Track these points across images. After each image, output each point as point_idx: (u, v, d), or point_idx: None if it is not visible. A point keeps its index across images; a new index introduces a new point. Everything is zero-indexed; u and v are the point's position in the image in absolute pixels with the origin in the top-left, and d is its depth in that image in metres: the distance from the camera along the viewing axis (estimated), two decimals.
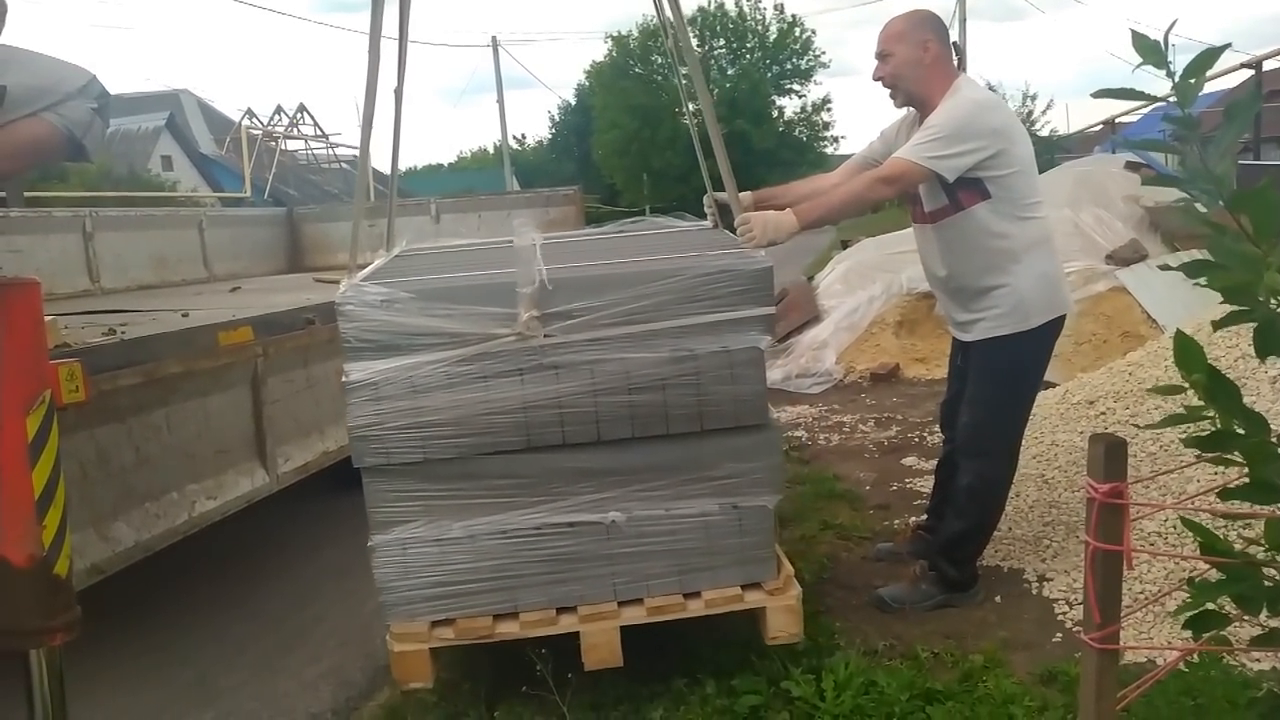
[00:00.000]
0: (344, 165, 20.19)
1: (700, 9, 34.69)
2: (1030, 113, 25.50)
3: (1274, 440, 1.14)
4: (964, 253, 2.50)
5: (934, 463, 3.13)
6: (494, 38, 26.27)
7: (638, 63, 34.93)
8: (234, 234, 6.45)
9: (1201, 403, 1.14)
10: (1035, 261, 2.48)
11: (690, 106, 3.05)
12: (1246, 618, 1.29)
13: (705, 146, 2.62)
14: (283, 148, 18.50)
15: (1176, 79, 1.10)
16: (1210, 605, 1.23)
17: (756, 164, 29.46)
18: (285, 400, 3.16)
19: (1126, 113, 15.56)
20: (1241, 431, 1.13)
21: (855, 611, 2.66)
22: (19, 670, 1.74)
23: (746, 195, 2.57)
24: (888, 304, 6.41)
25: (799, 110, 36.51)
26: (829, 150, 35.64)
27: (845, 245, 9.44)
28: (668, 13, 2.42)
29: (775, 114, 35.50)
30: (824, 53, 44.96)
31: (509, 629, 2.12)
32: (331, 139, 19.79)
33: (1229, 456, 1.16)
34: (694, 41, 33.23)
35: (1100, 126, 16.91)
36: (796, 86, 36.20)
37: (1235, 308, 1.11)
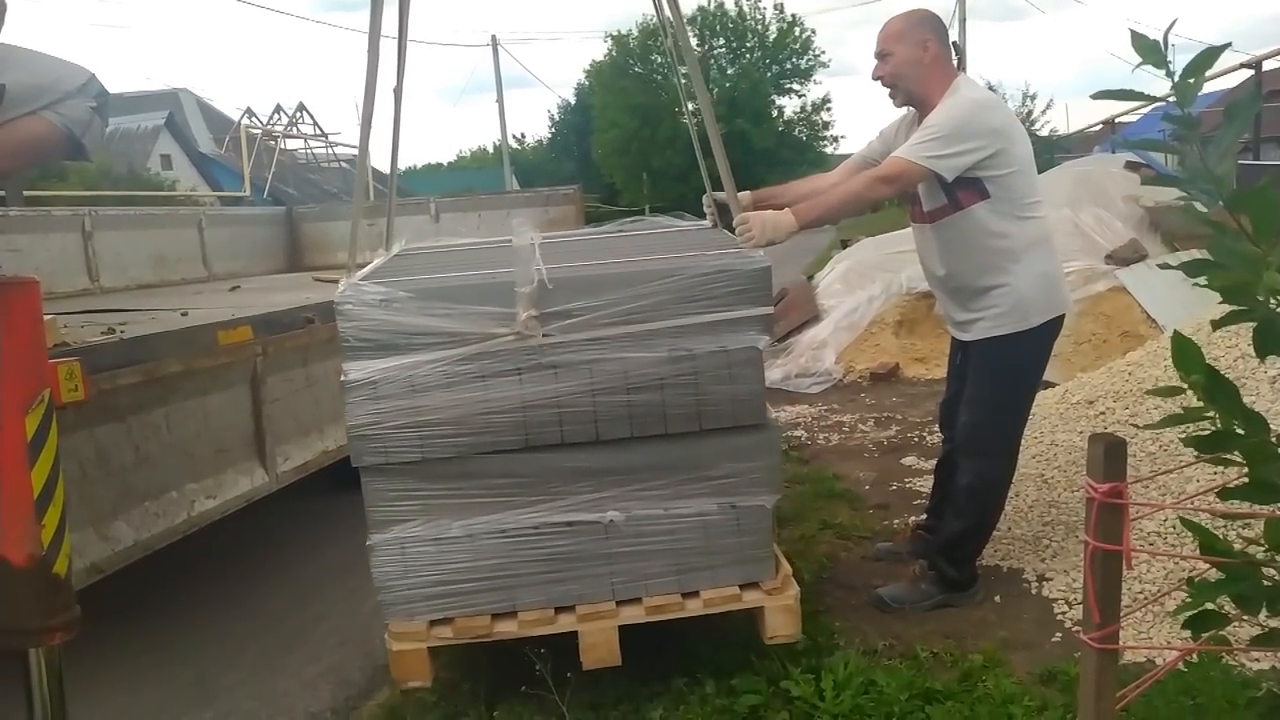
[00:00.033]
0: (343, 164, 20.18)
1: (700, 8, 34.72)
2: (1030, 112, 25.54)
3: (1274, 440, 1.14)
4: (963, 252, 2.50)
5: (933, 462, 3.13)
6: (494, 37, 26.28)
7: (637, 62, 34.93)
8: (233, 233, 6.45)
9: (1201, 403, 1.14)
10: (1034, 261, 2.48)
11: (690, 106, 3.05)
12: (1246, 617, 1.29)
13: (704, 146, 2.62)
14: (282, 147, 18.50)
15: (1176, 79, 1.10)
16: (1209, 605, 1.23)
17: (756, 163, 29.47)
18: (285, 399, 3.16)
19: (1126, 112, 15.57)
20: (1241, 431, 1.13)
21: (855, 611, 2.66)
22: (18, 669, 1.74)
23: (745, 195, 2.57)
24: (887, 303, 6.41)
25: (799, 110, 36.56)
26: (829, 150, 35.67)
27: (845, 245, 9.44)
28: (667, 12, 2.42)
29: (775, 113, 35.51)
30: (824, 52, 45.06)
31: (507, 628, 2.12)
32: (331, 138, 19.78)
33: (1228, 456, 1.16)
34: (694, 41, 33.27)
35: (1100, 126, 16.91)
36: (796, 86, 36.23)
37: (1234, 307, 1.11)
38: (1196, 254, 1.16)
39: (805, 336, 6.53)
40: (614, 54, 35.96)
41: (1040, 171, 3.16)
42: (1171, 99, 1.12)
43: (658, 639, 2.25)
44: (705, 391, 2.07)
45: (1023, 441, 2.80)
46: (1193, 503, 2.23)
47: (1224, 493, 1.23)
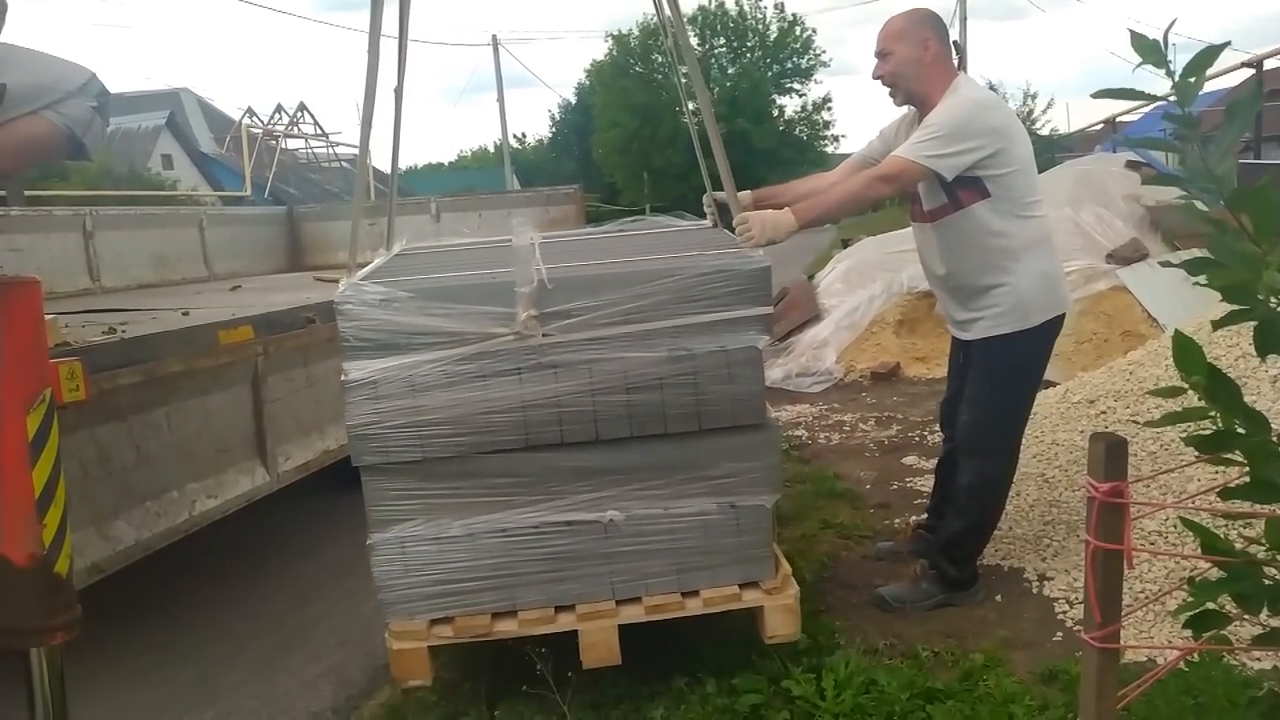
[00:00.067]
0: (344, 164, 20.18)
1: (701, 8, 34.72)
2: (1031, 112, 25.52)
3: (1275, 439, 1.14)
4: (963, 251, 2.50)
5: (934, 462, 3.13)
6: (494, 36, 26.31)
7: (638, 61, 34.92)
8: (234, 233, 6.45)
9: (1202, 402, 1.14)
10: (1035, 260, 2.48)
11: (690, 106, 3.05)
12: (1247, 617, 1.29)
13: (705, 146, 2.62)
14: (283, 146, 18.49)
15: (1176, 78, 1.10)
16: (1211, 604, 1.23)
17: (757, 163, 29.47)
18: (286, 399, 3.16)
19: (1127, 112, 15.55)
20: (1242, 431, 1.13)
21: (856, 610, 2.66)
22: (20, 669, 1.74)
23: (746, 194, 2.57)
24: (888, 303, 6.41)
25: (799, 109, 36.56)
26: (829, 149, 35.66)
27: (846, 244, 9.44)
28: (667, 12, 2.41)
29: (776, 113, 35.51)
30: (824, 52, 45.09)
31: (507, 627, 2.12)
32: (332, 138, 19.78)
33: (1229, 456, 1.16)
34: (694, 40, 33.27)
35: (1101, 125, 16.90)
36: (797, 85, 36.24)
37: (1235, 307, 1.11)
38: (1198, 253, 1.16)
39: (806, 336, 6.53)
40: (614, 53, 35.97)
41: (1041, 171, 3.16)
42: (1172, 98, 1.12)
43: (658, 638, 2.25)
44: (705, 391, 2.07)
45: (1024, 441, 2.80)
46: (1194, 502, 2.23)
47: (1225, 492, 1.23)
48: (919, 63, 2.46)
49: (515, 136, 43.21)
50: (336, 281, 2.25)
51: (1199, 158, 1.12)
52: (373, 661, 2.71)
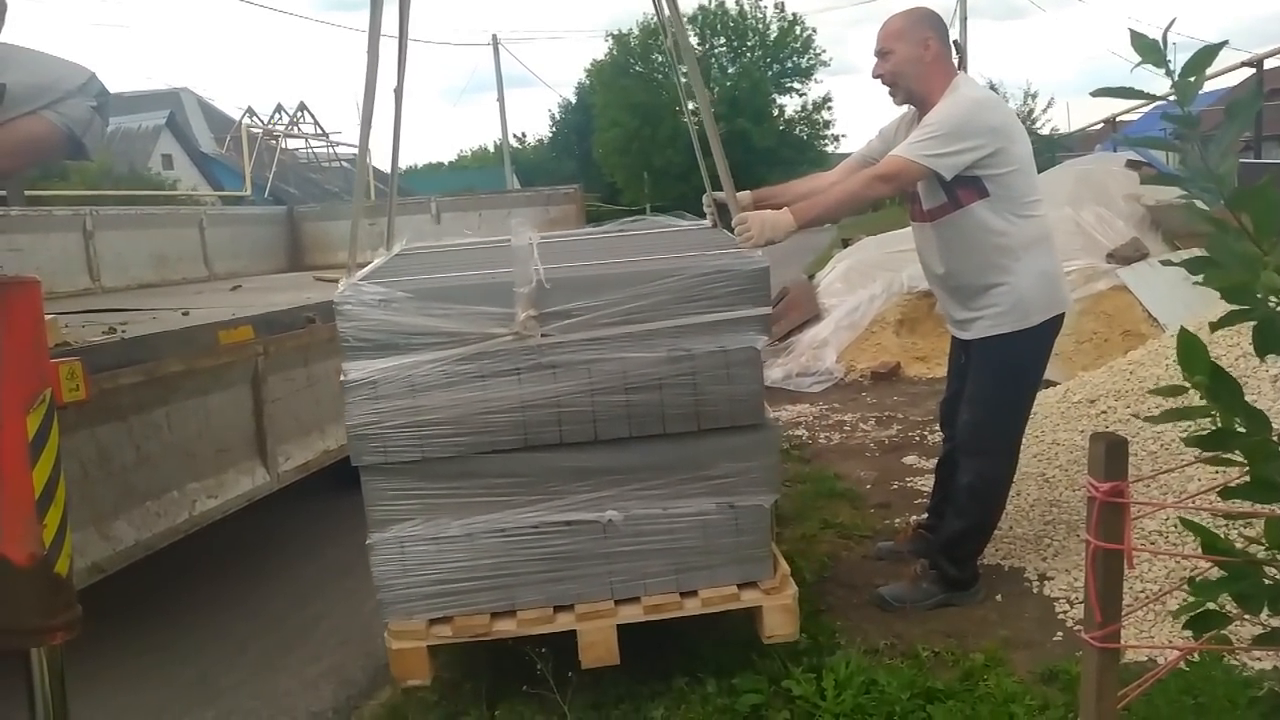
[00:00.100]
0: (344, 164, 20.17)
1: (701, 7, 34.72)
2: (1031, 111, 25.51)
3: (1275, 439, 1.14)
4: (963, 251, 2.50)
5: (934, 461, 3.13)
6: (494, 36, 26.31)
7: (638, 61, 34.92)
8: (234, 233, 6.45)
9: (1203, 401, 1.14)
10: (1034, 259, 2.47)
11: (689, 106, 3.05)
12: (1247, 617, 1.29)
13: (704, 146, 2.62)
14: (283, 146, 18.48)
15: (1176, 77, 1.10)
16: (1211, 604, 1.23)
17: (757, 162, 29.47)
18: (286, 399, 3.16)
19: (1127, 111, 15.54)
20: (1243, 430, 1.13)
21: (856, 610, 2.65)
22: (20, 669, 1.74)
23: (745, 194, 2.57)
24: (888, 302, 6.41)
25: (799, 109, 36.55)
26: (829, 149, 35.66)
27: (846, 244, 9.44)
28: (667, 12, 2.41)
29: (776, 112, 35.51)
30: (824, 51, 45.07)
31: (506, 627, 2.12)
32: (332, 137, 19.77)
33: (1229, 455, 1.16)
34: (694, 40, 33.23)
35: (1101, 125, 16.89)
36: (797, 85, 36.23)
37: (1235, 307, 1.10)
38: (1198, 252, 1.16)
39: (806, 335, 6.53)
40: (615, 53, 35.98)
41: (1041, 170, 3.16)
42: (1171, 98, 1.12)
43: (658, 638, 2.25)
44: (704, 391, 2.07)
45: (1024, 440, 2.80)
46: (1194, 502, 2.23)
47: (1225, 492, 1.23)
48: (919, 62, 2.45)
49: (515, 136, 43.25)
50: (336, 281, 2.25)
51: (1199, 157, 1.12)
52: (373, 661, 2.71)
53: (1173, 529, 2.62)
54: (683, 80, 2.87)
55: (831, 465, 4.13)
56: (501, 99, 27.84)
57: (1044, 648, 2.37)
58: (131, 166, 20.55)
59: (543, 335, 2.03)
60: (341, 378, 2.05)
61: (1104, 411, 3.69)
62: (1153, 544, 2.58)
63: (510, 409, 2.05)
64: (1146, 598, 2.37)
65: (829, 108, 36.48)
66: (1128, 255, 5.77)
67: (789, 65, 35.90)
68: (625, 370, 2.05)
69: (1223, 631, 1.27)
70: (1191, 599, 1.24)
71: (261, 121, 18.01)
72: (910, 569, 2.78)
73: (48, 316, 1.88)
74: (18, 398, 1.69)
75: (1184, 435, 1.39)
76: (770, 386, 5.58)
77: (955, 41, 2.55)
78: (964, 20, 21.36)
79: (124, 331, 2.77)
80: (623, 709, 2.16)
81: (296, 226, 6.99)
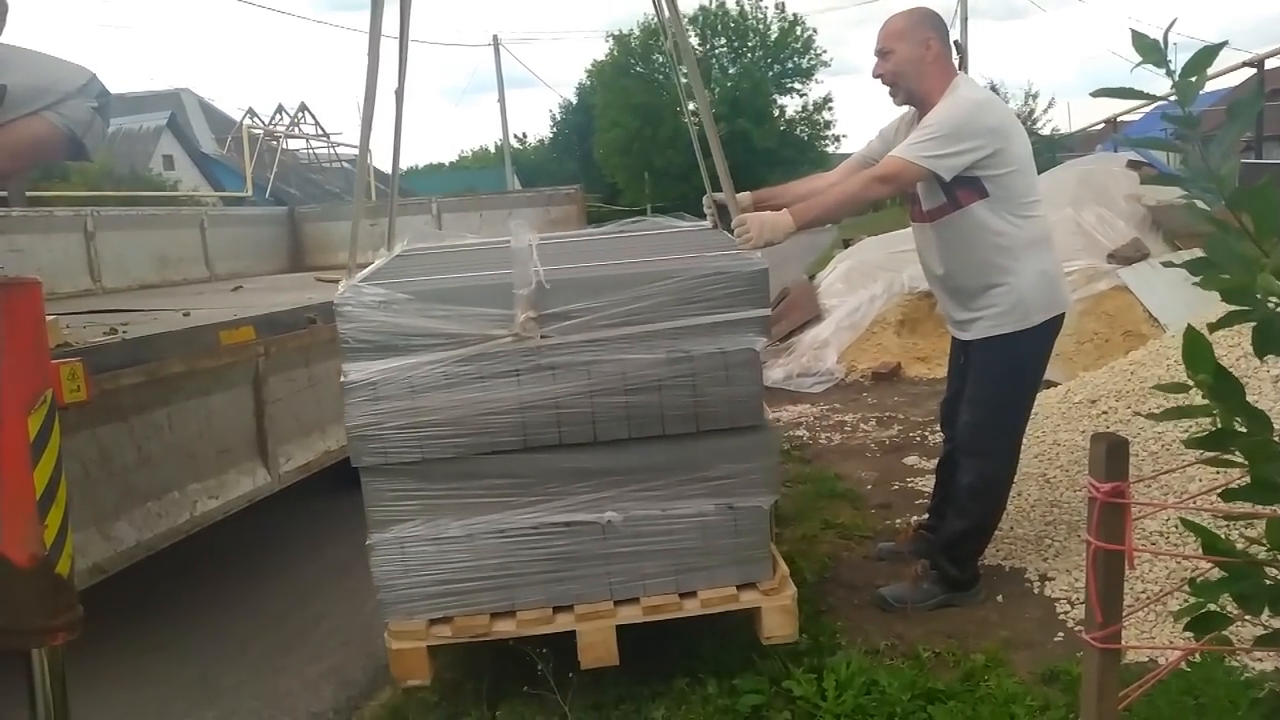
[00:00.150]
0: (345, 164, 20.18)
1: (701, 8, 34.69)
2: (1032, 111, 25.50)
3: (1276, 439, 1.14)
4: (962, 251, 2.50)
5: (935, 462, 3.13)
6: (495, 36, 26.34)
7: (639, 61, 34.90)
8: (235, 233, 6.45)
9: (1204, 400, 1.14)
10: (1034, 260, 2.47)
11: (690, 107, 3.05)
12: (1248, 618, 1.29)
13: (704, 147, 2.62)
14: (284, 147, 18.48)
15: (1176, 78, 1.10)
16: (1212, 605, 1.23)
17: (758, 163, 29.44)
18: (287, 399, 3.16)
19: (1128, 111, 15.54)
20: (1243, 430, 1.13)
21: (857, 611, 2.65)
22: (21, 669, 1.74)
23: (745, 195, 2.57)
24: (889, 303, 6.40)
25: (800, 109, 36.51)
26: (830, 149, 35.61)
27: (847, 244, 9.43)
28: (667, 13, 2.41)
29: (776, 113, 35.46)
30: (825, 51, 45.00)
31: (506, 627, 2.12)
32: (333, 138, 19.78)
33: (1230, 456, 1.16)
34: (695, 40, 33.18)
35: (1102, 125, 16.89)
36: (798, 85, 36.18)
37: (1235, 308, 1.10)
38: (1199, 253, 1.16)
39: (807, 336, 6.53)
40: (615, 53, 35.95)
41: (1042, 170, 3.16)
42: (1172, 98, 1.11)
43: (659, 639, 2.25)
44: (703, 393, 2.07)
45: (1025, 441, 2.80)
46: (1195, 502, 2.23)
47: (1226, 493, 1.22)
48: (920, 62, 2.45)
49: (516, 137, 43.23)
50: (337, 282, 2.25)
51: (1200, 157, 1.12)
52: (374, 662, 2.71)
53: (1174, 529, 2.62)
54: (683, 81, 2.87)
55: (832, 466, 4.13)
56: (502, 99, 27.92)
57: (1045, 648, 2.37)
58: (132, 167, 20.56)
59: (542, 337, 2.03)
60: (342, 379, 2.05)
61: (1105, 412, 3.69)
62: (1154, 544, 2.58)
63: (510, 410, 2.05)
64: (1147, 598, 2.37)
65: (830, 108, 36.46)
66: (1129, 256, 5.77)
67: (790, 66, 35.87)
68: (624, 372, 2.05)
69: (1224, 632, 1.27)
70: (1192, 600, 1.24)
71: (262, 122, 18.02)
72: (911, 569, 2.77)
73: (49, 317, 1.88)
74: (19, 398, 1.69)
75: (1185, 436, 1.39)
76: (771, 387, 5.59)
77: (956, 42, 2.55)
78: (965, 20, 21.37)
79: (125, 332, 2.77)
80: (623, 709, 2.16)
81: (297, 227, 6.99)
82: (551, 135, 44.29)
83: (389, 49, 2.36)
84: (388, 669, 2.23)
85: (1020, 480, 3.05)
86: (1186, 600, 1.25)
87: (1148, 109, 13.00)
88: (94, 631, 1.84)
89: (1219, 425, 1.14)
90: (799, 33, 35.65)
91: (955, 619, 2.56)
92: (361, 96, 2.25)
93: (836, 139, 36.30)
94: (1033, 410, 2.70)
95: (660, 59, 32.40)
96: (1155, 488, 2.72)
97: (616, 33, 35.65)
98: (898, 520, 3.36)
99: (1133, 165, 6.90)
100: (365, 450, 2.07)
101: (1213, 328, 1.16)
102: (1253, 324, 1.10)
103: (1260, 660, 2.13)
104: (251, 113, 18.02)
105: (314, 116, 19.25)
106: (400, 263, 2.58)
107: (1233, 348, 3.31)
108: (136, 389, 2.48)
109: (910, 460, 4.11)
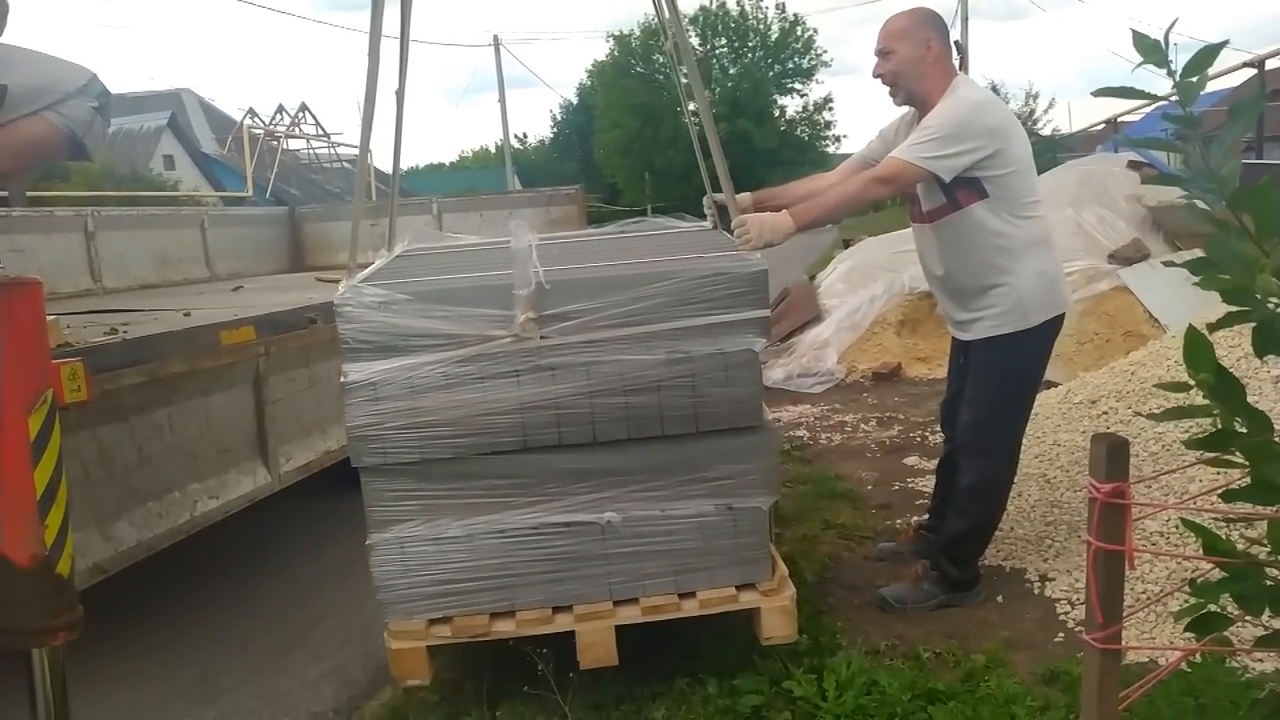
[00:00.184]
0: (346, 165, 20.18)
1: (702, 8, 34.66)
2: (1032, 112, 25.48)
3: (1276, 440, 1.14)
4: (962, 252, 2.50)
5: (935, 462, 3.13)
6: (496, 37, 26.37)
7: (639, 62, 34.88)
8: (236, 233, 6.46)
9: (1204, 400, 1.14)
10: (1034, 260, 2.47)
11: (690, 107, 3.05)
12: (1249, 618, 1.28)
13: (704, 148, 2.62)
14: (285, 147, 18.48)
15: (1178, 78, 1.10)
16: (1212, 606, 1.23)
17: (758, 163, 29.43)
18: (287, 399, 3.16)
19: (1129, 112, 15.52)
20: (1243, 430, 1.13)
21: (857, 611, 2.65)
22: (21, 669, 1.74)
23: (745, 196, 2.57)
24: (890, 303, 6.40)
25: (801, 109, 36.47)
26: (831, 149, 35.58)
27: (847, 244, 9.43)
28: (667, 13, 2.41)
29: (777, 113, 35.44)
30: (826, 52, 44.99)
31: (505, 627, 2.13)
32: (333, 138, 19.78)
33: (1230, 457, 1.16)
34: (695, 41, 33.13)
35: (1102, 125, 16.87)
36: (798, 86, 36.15)
37: (1235, 308, 1.10)
38: (1200, 253, 1.16)
39: (807, 336, 6.53)
40: (616, 54, 35.94)
41: (1043, 171, 3.16)
42: (1173, 98, 1.11)
43: (659, 639, 2.25)
44: (702, 394, 2.07)
45: (1025, 441, 2.80)
46: (1195, 503, 2.23)
47: (1227, 494, 1.22)
48: (921, 62, 2.45)
49: (516, 137, 43.21)
50: (338, 282, 2.25)
51: (1200, 158, 1.12)
52: (374, 662, 2.70)
53: (1174, 530, 2.62)
54: (683, 81, 2.87)
55: (833, 466, 4.13)
56: (503, 99, 27.94)
57: (1045, 649, 2.37)
58: (133, 167, 20.58)
59: (542, 337, 2.03)
60: (342, 379, 2.05)
61: (1105, 412, 3.69)
62: (1154, 545, 2.58)
63: (509, 410, 2.05)
64: (1148, 599, 2.37)
65: (830, 108, 36.40)
66: (1129, 256, 5.77)
67: (790, 66, 35.84)
68: (624, 372, 2.05)
69: (1224, 633, 1.27)
70: (1193, 600, 1.24)
71: (263, 122, 18.02)
72: (911, 570, 2.77)
73: (49, 317, 1.88)
74: (19, 398, 1.69)
75: (1185, 437, 1.39)
76: (771, 387, 5.59)
77: (956, 42, 2.55)
78: (965, 21, 21.36)
79: (126, 332, 2.77)
80: (624, 709, 2.16)
81: (298, 227, 7.00)
82: (552, 135, 44.30)
83: (389, 49, 2.36)
84: (388, 669, 2.23)
85: (1021, 481, 3.05)
86: (1187, 601, 1.25)
87: (1148, 109, 12.99)
88: (94, 631, 1.84)
89: (1219, 426, 1.14)
90: (799, 33, 35.63)
91: (956, 619, 2.56)
92: (362, 97, 2.26)
93: (837, 139, 36.29)
94: (1033, 411, 2.70)
95: (661, 59, 32.39)
96: (1156, 488, 2.72)
97: (617, 33, 35.66)
98: (898, 521, 3.36)
99: (1133, 166, 6.90)
100: (365, 450, 2.07)
101: (1213, 328, 1.16)
102: (1253, 324, 1.10)
103: (1261, 661, 2.13)
104: (252, 113, 18.03)
105: (314, 116, 19.25)
106: (401, 263, 2.57)
107: (1233, 348, 3.31)
108: (137, 389, 2.48)
109: (910, 460, 4.11)
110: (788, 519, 3.34)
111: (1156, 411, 1.21)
